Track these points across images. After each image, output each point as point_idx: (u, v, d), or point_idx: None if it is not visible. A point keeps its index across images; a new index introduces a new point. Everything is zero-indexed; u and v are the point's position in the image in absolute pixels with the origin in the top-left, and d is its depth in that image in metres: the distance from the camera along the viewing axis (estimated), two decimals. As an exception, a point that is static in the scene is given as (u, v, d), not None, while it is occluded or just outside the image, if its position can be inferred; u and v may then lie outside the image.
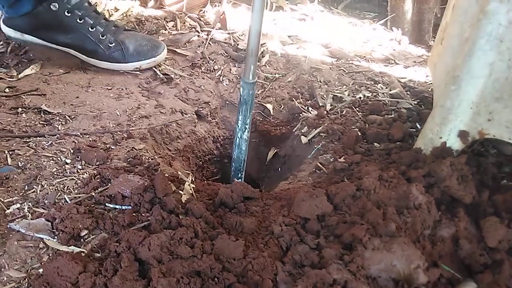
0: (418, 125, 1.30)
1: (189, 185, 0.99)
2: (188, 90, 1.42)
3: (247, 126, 1.13)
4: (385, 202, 0.88)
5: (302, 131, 1.35)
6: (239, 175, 1.24)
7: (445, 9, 1.29)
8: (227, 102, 1.49)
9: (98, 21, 1.46)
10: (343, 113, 1.36)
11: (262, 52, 1.60)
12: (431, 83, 1.61)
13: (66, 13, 1.42)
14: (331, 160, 1.17)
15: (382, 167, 1.04)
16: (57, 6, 1.41)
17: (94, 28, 1.44)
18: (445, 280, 0.83)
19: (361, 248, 0.76)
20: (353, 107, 1.38)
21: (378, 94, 1.46)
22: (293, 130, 1.40)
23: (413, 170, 1.01)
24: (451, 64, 1.08)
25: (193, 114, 1.37)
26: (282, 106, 1.47)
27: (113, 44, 1.44)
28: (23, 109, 1.19)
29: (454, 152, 1.03)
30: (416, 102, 1.44)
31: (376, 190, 0.90)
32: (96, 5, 1.64)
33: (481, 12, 0.92)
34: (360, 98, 1.44)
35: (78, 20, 1.43)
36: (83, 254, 0.80)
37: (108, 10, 1.78)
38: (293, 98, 1.48)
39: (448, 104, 1.02)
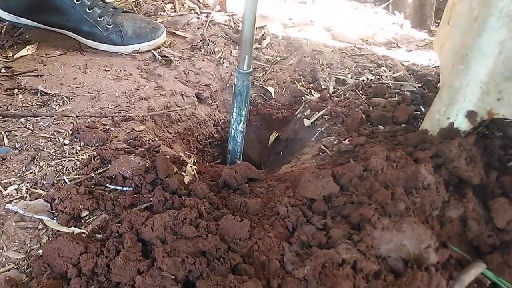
0: (422, 108, 1.28)
1: (191, 166, 0.96)
2: (188, 73, 1.39)
3: (242, 118, 1.09)
4: (393, 183, 0.87)
5: (305, 114, 1.32)
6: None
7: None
8: (228, 85, 1.46)
9: (96, 3, 1.41)
10: (347, 95, 1.34)
11: (263, 35, 1.57)
12: (435, 67, 1.59)
13: (61, -7, 1.37)
14: (335, 142, 1.14)
15: (389, 148, 1.02)
16: (53, -13, 1.37)
17: (92, 10, 1.40)
18: (454, 261, 0.82)
19: (370, 228, 0.75)
20: (357, 90, 1.36)
21: (381, 77, 1.44)
22: (295, 113, 1.37)
23: (420, 151, 0.99)
24: (459, 44, 1.05)
25: (194, 97, 1.34)
26: (284, 89, 1.44)
27: (111, 26, 1.40)
28: (19, 90, 1.16)
29: (461, 133, 1.01)
30: (420, 85, 1.42)
31: (383, 171, 0.88)
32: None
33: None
34: (363, 81, 1.41)
35: (75, 2, 1.38)
36: (84, 235, 0.77)
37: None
38: (295, 81, 1.45)
39: (456, 84, 0.99)
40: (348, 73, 1.47)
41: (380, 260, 0.72)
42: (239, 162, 1.19)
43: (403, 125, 1.18)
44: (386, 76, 1.45)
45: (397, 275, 0.71)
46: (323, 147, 1.13)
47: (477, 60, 0.96)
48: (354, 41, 1.67)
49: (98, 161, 0.93)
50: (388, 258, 0.72)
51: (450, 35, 1.13)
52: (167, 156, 0.95)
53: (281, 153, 1.36)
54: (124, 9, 1.51)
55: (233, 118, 1.10)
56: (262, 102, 1.45)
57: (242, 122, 1.10)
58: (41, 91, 1.15)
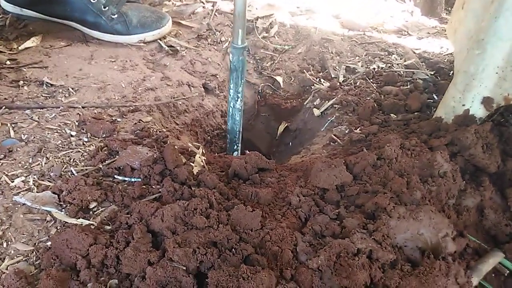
0: (435, 96, 1.25)
1: (200, 157, 0.95)
2: (194, 63, 1.36)
3: (239, 95, 1.07)
4: (408, 171, 0.84)
5: (314, 103, 1.30)
6: (235, 147, 1.19)
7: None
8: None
9: (99, -8, 1.39)
10: (357, 84, 1.31)
11: (270, 23, 1.54)
12: (447, 54, 1.55)
13: (65, -17, 1.35)
14: (346, 131, 1.12)
15: (402, 137, 0.99)
16: (56, -23, 1.35)
17: (96, 0, 1.38)
18: (471, 250, 0.80)
19: (385, 217, 0.72)
20: (367, 78, 1.33)
21: (392, 65, 1.41)
22: (304, 103, 1.35)
23: (435, 139, 0.96)
24: (474, 28, 1.02)
25: (200, 87, 1.31)
26: (293, 79, 1.42)
27: (116, 16, 1.38)
28: (25, 82, 1.14)
29: (477, 120, 0.98)
30: (432, 73, 1.39)
31: (398, 159, 0.86)
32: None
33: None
34: (374, 69, 1.38)
35: (78, -9, 1.36)
36: (92, 227, 0.76)
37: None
38: (304, 70, 1.42)
39: (472, 69, 0.96)
40: (358, 61, 1.44)
41: (396, 250, 0.70)
42: (238, 142, 1.18)
43: (416, 113, 1.16)
44: (397, 64, 1.42)
45: (414, 265, 0.69)
46: (334, 136, 1.11)
47: (494, 44, 0.93)
48: (364, 29, 1.64)
49: (105, 152, 0.91)
50: (404, 248, 0.70)
51: (465, 20, 1.09)
52: (176, 147, 0.93)
53: (290, 143, 1.34)
54: (129, -1, 1.49)
55: (230, 95, 1.08)
56: (271, 92, 1.42)
57: (239, 99, 1.08)
58: (46, 82, 1.14)
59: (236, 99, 1.08)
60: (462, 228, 0.82)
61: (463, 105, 0.99)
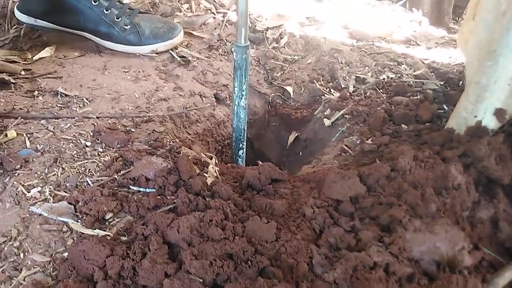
0: (445, 106, 1.25)
1: (213, 167, 0.95)
2: (206, 73, 1.38)
3: (243, 93, 1.09)
4: (422, 183, 0.84)
5: (325, 113, 1.30)
6: (240, 145, 1.20)
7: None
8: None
9: (113, 3, 1.41)
10: (367, 94, 1.32)
11: (280, 34, 1.55)
12: (456, 65, 1.55)
13: (79, -4, 1.38)
14: (358, 142, 1.12)
15: (415, 148, 0.99)
16: (71, -11, 1.37)
17: (109, 11, 1.40)
18: (486, 263, 0.79)
19: (401, 229, 0.73)
20: (377, 89, 1.34)
21: (402, 75, 1.41)
22: (315, 113, 1.35)
23: (448, 150, 0.96)
24: (486, 39, 1.02)
25: (212, 97, 1.33)
26: (303, 89, 1.42)
27: (129, 27, 1.40)
28: (40, 92, 1.16)
29: (490, 131, 0.98)
30: (441, 83, 1.39)
31: (411, 171, 0.86)
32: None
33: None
34: (383, 79, 1.38)
35: (92, 3, 1.38)
36: (109, 238, 0.76)
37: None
38: (314, 80, 1.43)
39: (484, 80, 0.97)
40: (368, 72, 1.44)
41: (413, 263, 0.70)
42: (243, 140, 1.19)
43: (427, 124, 1.16)
44: (407, 74, 1.42)
45: (431, 278, 0.69)
46: (345, 147, 1.11)
47: (506, 55, 0.93)
48: (372, 39, 1.64)
49: (120, 162, 0.92)
50: (421, 261, 0.70)
51: (476, 31, 1.10)
52: (189, 157, 0.94)
53: (301, 153, 1.35)
54: (141, 9, 1.51)
55: (235, 93, 1.09)
56: (281, 102, 1.43)
57: (243, 97, 1.10)
58: (61, 93, 1.15)
59: (240, 97, 1.09)
60: (476, 240, 0.82)
61: (475, 116, 0.99)
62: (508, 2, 0.95)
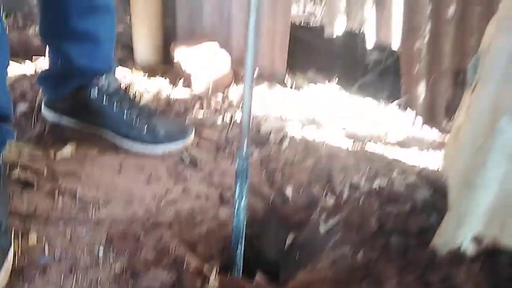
0: (434, 217, 1.34)
1: (213, 281, 1.03)
2: (213, 174, 1.50)
3: (243, 195, 1.20)
4: (405, 311, 0.91)
5: (321, 218, 1.40)
6: (239, 241, 1.28)
7: (457, 109, 1.36)
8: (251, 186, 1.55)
9: (132, 106, 1.58)
10: (360, 203, 1.41)
11: (282, 137, 1.69)
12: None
13: (104, 99, 1.54)
14: (350, 253, 1.20)
15: (400, 268, 1.07)
16: (96, 93, 1.53)
17: (129, 112, 1.56)
18: None
19: None
20: (370, 197, 1.44)
21: (393, 182, 1.52)
22: (311, 217, 1.44)
23: (431, 272, 1.04)
24: (463, 169, 1.13)
25: (217, 198, 1.43)
26: (301, 192, 1.53)
27: (146, 128, 1.55)
28: (59, 193, 1.27)
29: (467, 256, 1.06)
30: (432, 192, 1.49)
31: (395, 297, 0.94)
32: (129, 89, 1.78)
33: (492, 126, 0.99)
34: (376, 188, 1.49)
35: (114, 105, 1.54)
36: None
37: (139, 92, 1.91)
38: (312, 183, 1.54)
39: (463, 208, 1.07)
40: (362, 177, 1.56)
41: None
42: (242, 239, 1.27)
43: (415, 238, 1.24)
44: (399, 181, 1.53)
45: None
46: (337, 258, 1.19)
47: (481, 188, 1.03)
48: (368, 141, 1.78)
49: (129, 275, 1.01)
50: None
51: (456, 159, 1.22)
52: (192, 270, 1.03)
53: (297, 255, 1.42)
54: (157, 111, 1.67)
55: (236, 195, 1.20)
56: (280, 203, 1.53)
57: (243, 198, 1.20)
58: (79, 194, 1.27)
59: (241, 198, 1.20)
60: None
61: (456, 240, 1.08)
62: (483, 137, 1.06)
